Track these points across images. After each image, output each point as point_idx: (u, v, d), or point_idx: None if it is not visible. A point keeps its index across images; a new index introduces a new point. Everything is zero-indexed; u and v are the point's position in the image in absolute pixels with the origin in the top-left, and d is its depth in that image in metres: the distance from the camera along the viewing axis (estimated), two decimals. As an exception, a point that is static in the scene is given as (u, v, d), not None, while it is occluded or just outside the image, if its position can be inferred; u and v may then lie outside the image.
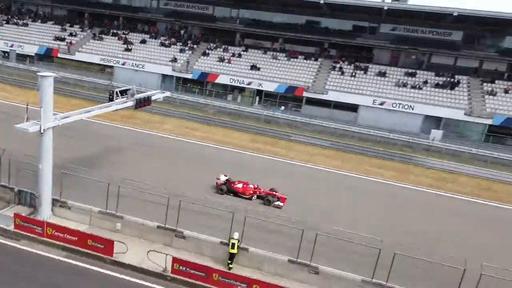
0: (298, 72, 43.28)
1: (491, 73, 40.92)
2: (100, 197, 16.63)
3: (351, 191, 23.68)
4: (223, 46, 47.75)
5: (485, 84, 39.65)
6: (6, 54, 49.10)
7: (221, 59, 45.64)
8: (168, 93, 26.27)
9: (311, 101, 41.18)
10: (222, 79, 43.52)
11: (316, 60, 45.08)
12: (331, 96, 40.34)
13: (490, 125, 36.20)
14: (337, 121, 37.85)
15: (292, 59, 45.24)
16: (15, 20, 53.88)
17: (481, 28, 40.48)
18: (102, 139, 27.33)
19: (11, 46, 49.19)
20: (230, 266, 15.06)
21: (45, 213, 16.78)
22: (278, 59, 45.39)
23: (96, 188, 16.77)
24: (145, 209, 17.05)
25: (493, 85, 39.30)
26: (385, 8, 39.87)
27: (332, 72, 43.17)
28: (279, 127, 36.43)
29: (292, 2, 43.29)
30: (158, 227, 16.28)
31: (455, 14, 36.96)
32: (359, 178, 26.15)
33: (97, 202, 16.95)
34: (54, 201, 17.22)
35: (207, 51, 47.34)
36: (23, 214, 16.29)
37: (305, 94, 41.09)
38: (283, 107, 41.45)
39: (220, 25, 49.34)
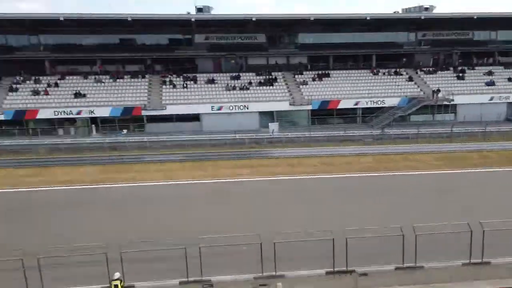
0: (129, 92, 41.85)
1: (297, 66, 48.46)
2: None
3: (224, 197, 24.56)
4: (33, 78, 42.00)
5: (296, 76, 46.73)
6: None
7: (36, 92, 40.09)
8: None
9: (153, 119, 40.52)
10: (44, 114, 38.25)
11: (143, 77, 44.39)
12: (171, 110, 40.53)
13: (312, 110, 43.00)
14: (184, 133, 38.30)
15: (118, 80, 43.34)
16: None
17: (278, 29, 47.35)
18: None
19: None
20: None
21: None
22: (103, 82, 42.80)
23: None
24: None
25: (301, 76, 46.67)
26: (193, 19, 41.95)
27: (164, 86, 43.35)
28: (128, 151, 34.51)
29: (98, 22, 41.19)
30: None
31: (254, 19, 41.93)
32: (226, 182, 27.28)
33: None
34: None
35: (14, 85, 40.77)
36: None
37: (143, 112, 40.06)
38: (125, 131, 39.23)
39: (20, 54, 43.09)
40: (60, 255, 13.89)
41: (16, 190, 25.70)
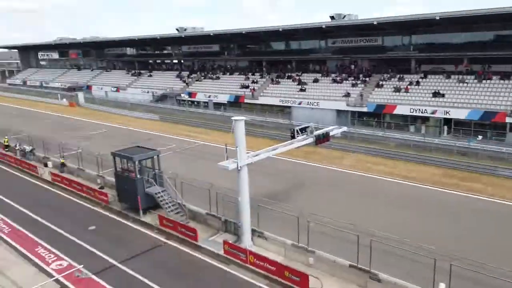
0: (495, 95, 37.35)
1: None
2: (291, 230, 17.27)
3: None
4: (398, 76, 45.62)
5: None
6: (206, 104, 58.66)
7: (397, 89, 43.49)
8: (344, 128, 25.98)
9: (520, 128, 34.51)
10: (400, 110, 41.16)
11: (516, 79, 38.20)
12: (548, 119, 33.00)
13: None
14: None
15: (484, 81, 39.55)
16: (210, 75, 64.38)
17: None
18: (286, 174, 28.99)
19: (209, 97, 58.58)
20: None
21: (247, 242, 18.36)
22: (466, 83, 40.36)
23: (287, 221, 17.52)
24: (334, 245, 16.79)
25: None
26: None
27: (544, 90, 35.62)
28: (478, 160, 31.37)
29: (474, 18, 38.20)
30: (350, 266, 15.70)
31: None
32: None
33: (289, 234, 17.63)
34: (254, 231, 18.74)
35: (381, 82, 46.00)
36: (230, 242, 18.22)
37: (508, 119, 34.80)
38: (480, 137, 35.73)
39: (391, 54, 47.66)
40: (390, 244, 15.00)
41: (363, 174, 29.61)
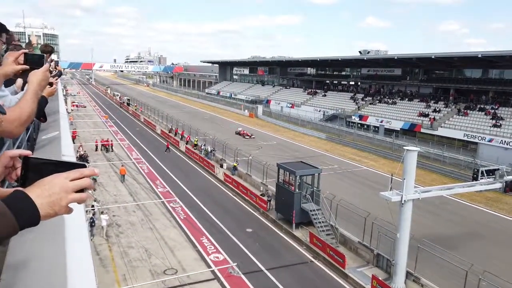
0: None
1: None
2: (455, 284, 14.72)
3: None
4: None
5: None
6: (376, 129, 56.40)
7: None
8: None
9: None
10: None
11: None
12: None
13: None
14: None
15: None
16: (385, 99, 61.65)
17: None
18: (461, 219, 25.03)
19: (381, 121, 56.13)
20: None
21: (399, 283, 16.61)
22: None
23: (452, 272, 15.04)
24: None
25: None
26: None
27: None
28: None
29: None
30: None
31: None
32: None
33: (450, 286, 15.11)
34: (408, 274, 16.83)
35: None
36: (380, 278, 16.80)
37: None
38: None
39: None
40: None
41: None
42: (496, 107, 46.55)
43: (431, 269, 16.61)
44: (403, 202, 15.99)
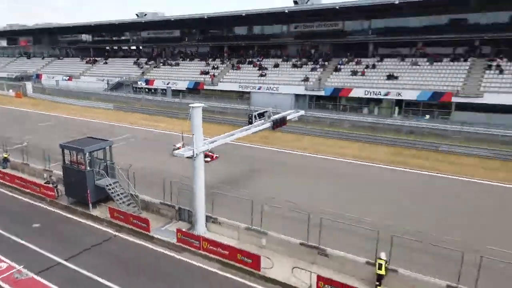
0: (444, 77, 38.82)
1: None
2: (246, 214, 17.24)
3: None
4: (356, 59, 46.35)
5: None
6: (164, 91, 57.16)
7: (354, 73, 44.21)
8: (302, 112, 26.46)
9: (463, 107, 36.15)
10: (356, 93, 41.95)
11: (465, 60, 39.85)
12: (488, 98, 34.74)
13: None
14: (498, 126, 32.28)
15: (435, 63, 40.94)
16: (169, 62, 62.70)
17: None
18: (244, 160, 28.86)
19: (167, 84, 57.10)
20: (378, 288, 13.73)
21: (201, 229, 18.12)
22: (419, 65, 41.64)
23: (243, 206, 17.45)
24: (287, 225, 17.00)
25: None
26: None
27: (488, 72, 37.37)
28: (424, 137, 32.94)
29: (432, 2, 39.25)
30: (301, 244, 15.99)
31: None
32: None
33: (243, 218, 17.59)
34: (208, 218, 18.51)
35: (339, 66, 46.58)
36: (184, 229, 17.89)
37: (454, 99, 36.39)
38: (427, 116, 37.40)
39: (351, 39, 48.29)
40: (337, 221, 15.53)
41: (316, 156, 30.06)
42: (261, 59, 53.96)
43: (227, 208, 18.67)
44: (195, 155, 17.02)
